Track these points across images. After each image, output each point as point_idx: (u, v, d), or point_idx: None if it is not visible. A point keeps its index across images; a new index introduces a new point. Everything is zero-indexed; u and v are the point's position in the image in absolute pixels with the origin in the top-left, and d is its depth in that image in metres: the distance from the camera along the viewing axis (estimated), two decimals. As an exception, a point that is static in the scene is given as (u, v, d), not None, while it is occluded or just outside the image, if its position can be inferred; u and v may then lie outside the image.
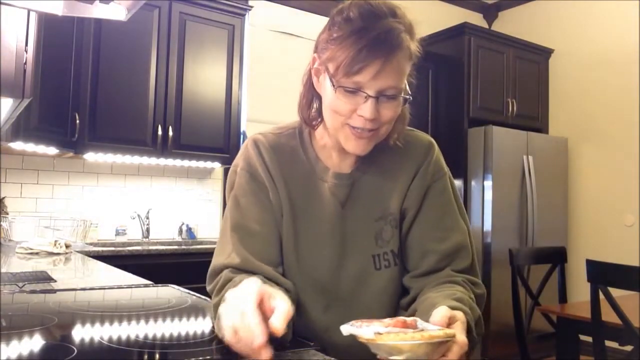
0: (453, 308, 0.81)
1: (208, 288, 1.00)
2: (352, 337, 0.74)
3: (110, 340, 0.89)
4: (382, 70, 0.87)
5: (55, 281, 1.58)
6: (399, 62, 0.89)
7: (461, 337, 0.74)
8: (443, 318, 0.76)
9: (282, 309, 0.73)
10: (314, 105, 1.02)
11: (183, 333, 0.98)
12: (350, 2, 0.92)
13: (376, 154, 1.03)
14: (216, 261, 1.00)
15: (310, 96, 1.01)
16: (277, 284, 0.94)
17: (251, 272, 0.94)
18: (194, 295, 1.33)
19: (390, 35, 0.87)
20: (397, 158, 1.04)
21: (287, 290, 0.93)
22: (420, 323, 0.74)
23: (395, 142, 1.02)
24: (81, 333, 0.95)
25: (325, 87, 0.95)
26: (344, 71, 0.88)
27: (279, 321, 0.72)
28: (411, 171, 1.03)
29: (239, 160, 1.06)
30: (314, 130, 1.05)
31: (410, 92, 0.96)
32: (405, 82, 0.93)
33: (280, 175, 1.02)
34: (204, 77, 3.42)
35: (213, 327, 0.98)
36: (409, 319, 0.74)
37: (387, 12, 0.89)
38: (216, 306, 0.91)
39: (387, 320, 0.73)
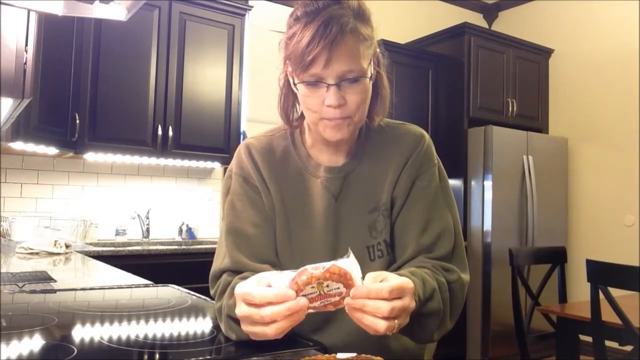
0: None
1: (211, 292, 1.02)
2: (351, 329, 0.74)
3: (110, 340, 0.89)
4: (333, 57, 0.89)
5: (55, 281, 1.58)
6: (348, 45, 0.90)
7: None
8: (372, 278, 0.80)
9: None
10: (297, 105, 1.04)
11: (183, 333, 0.98)
12: (298, 2, 0.94)
13: (367, 146, 1.05)
14: (214, 265, 1.03)
15: (292, 97, 1.03)
16: None
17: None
18: (194, 295, 1.33)
19: (332, 22, 0.89)
20: (388, 149, 1.05)
21: None
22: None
23: (380, 123, 1.03)
24: (81, 333, 0.95)
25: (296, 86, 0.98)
26: (299, 67, 0.91)
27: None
28: (401, 161, 1.03)
29: (232, 166, 1.09)
30: (295, 130, 1.07)
31: (380, 72, 0.99)
32: (369, 62, 0.95)
33: (272, 176, 1.04)
34: (204, 77, 3.42)
35: (215, 328, 0.99)
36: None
37: (329, 2, 0.91)
38: (219, 310, 0.93)
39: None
